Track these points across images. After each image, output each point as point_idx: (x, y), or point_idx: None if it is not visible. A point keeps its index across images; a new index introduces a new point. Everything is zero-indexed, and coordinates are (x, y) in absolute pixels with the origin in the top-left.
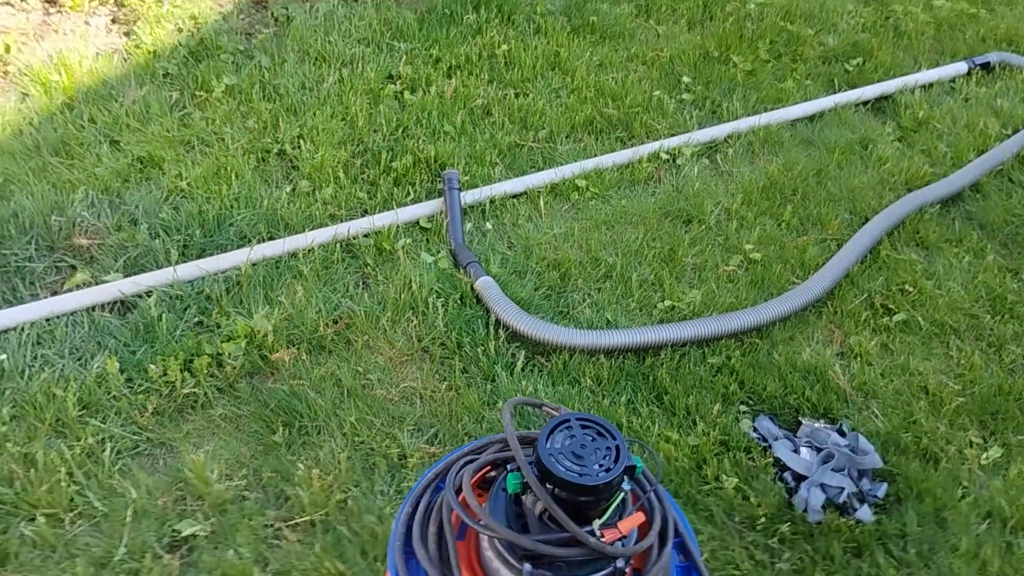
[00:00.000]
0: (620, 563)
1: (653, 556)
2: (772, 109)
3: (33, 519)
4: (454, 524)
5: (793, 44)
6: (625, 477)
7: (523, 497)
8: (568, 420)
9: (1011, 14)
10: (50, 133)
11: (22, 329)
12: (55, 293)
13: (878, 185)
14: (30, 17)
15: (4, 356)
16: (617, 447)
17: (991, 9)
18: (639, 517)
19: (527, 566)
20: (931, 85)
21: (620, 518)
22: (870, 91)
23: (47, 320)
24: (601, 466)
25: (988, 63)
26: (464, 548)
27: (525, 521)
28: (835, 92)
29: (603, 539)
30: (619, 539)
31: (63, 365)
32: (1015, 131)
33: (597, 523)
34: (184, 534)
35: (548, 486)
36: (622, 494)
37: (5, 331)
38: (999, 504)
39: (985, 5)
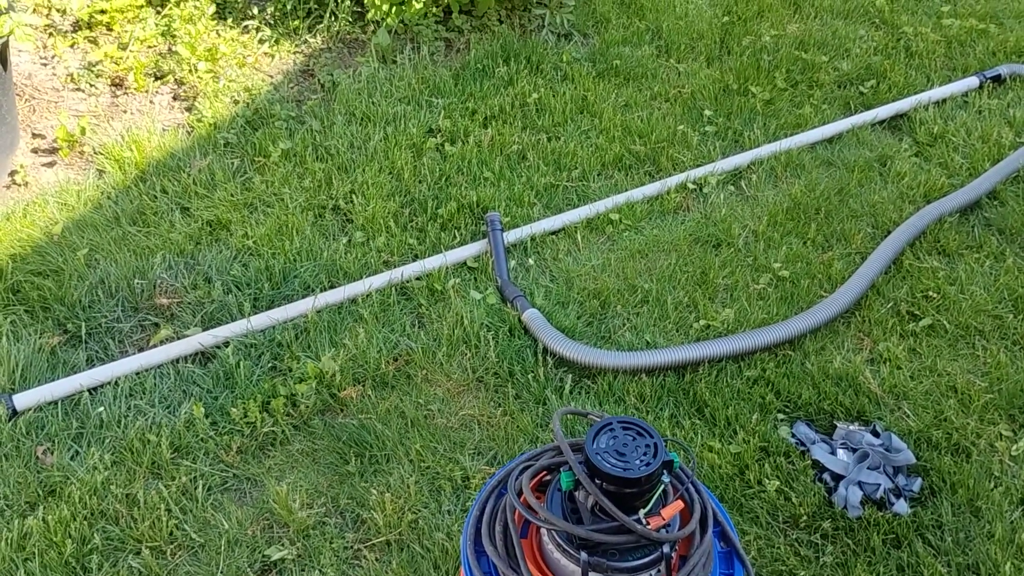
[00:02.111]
0: (666, 548)
1: (696, 541)
2: (792, 134)
3: (139, 552)
4: (517, 523)
5: (808, 71)
6: (664, 471)
7: (576, 493)
8: (611, 423)
9: (1020, 27)
10: (127, 205)
11: (116, 383)
12: (142, 349)
13: (898, 199)
14: (99, 100)
15: (102, 408)
16: (655, 444)
17: (1000, 23)
18: (679, 504)
19: (583, 554)
20: (944, 101)
21: (662, 507)
22: (885, 110)
23: (137, 374)
24: (642, 461)
25: (999, 75)
26: (527, 544)
27: (579, 515)
28: (851, 114)
29: (648, 526)
30: (663, 526)
31: (154, 413)
32: None
33: (642, 512)
34: (273, 559)
35: (597, 481)
36: (663, 486)
37: (101, 386)
38: None
39: (994, 20)
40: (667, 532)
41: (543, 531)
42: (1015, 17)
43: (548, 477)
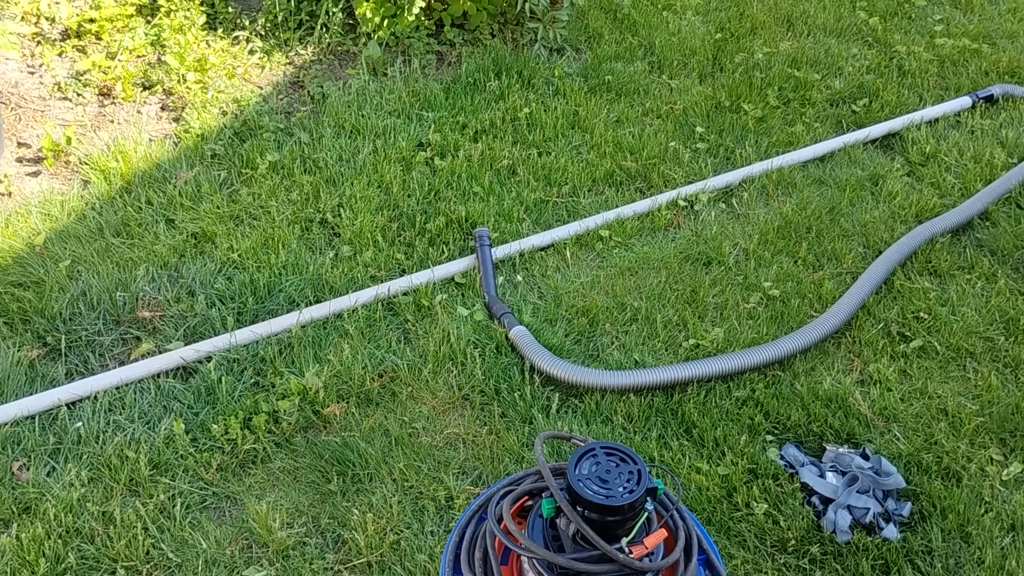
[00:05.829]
0: None
1: (680, 570)
2: (783, 152)
3: (114, 572)
4: (497, 549)
5: (801, 89)
6: (648, 498)
7: (557, 520)
8: (593, 448)
9: (1012, 47)
10: (111, 216)
11: (95, 398)
12: (123, 363)
13: (889, 219)
14: (87, 110)
15: (80, 423)
16: (639, 471)
17: (992, 43)
18: (662, 533)
19: None
20: (937, 120)
21: (646, 535)
22: (877, 129)
23: (117, 388)
24: (625, 488)
25: (991, 95)
26: (508, 571)
27: (560, 543)
28: (843, 133)
29: (631, 555)
30: (646, 555)
31: (134, 429)
32: (1021, 160)
33: (625, 541)
34: None
35: (579, 509)
36: (646, 513)
37: (80, 400)
38: (1022, 517)
39: (987, 40)
40: (650, 561)
41: (523, 559)
42: (1008, 37)
43: (530, 502)
